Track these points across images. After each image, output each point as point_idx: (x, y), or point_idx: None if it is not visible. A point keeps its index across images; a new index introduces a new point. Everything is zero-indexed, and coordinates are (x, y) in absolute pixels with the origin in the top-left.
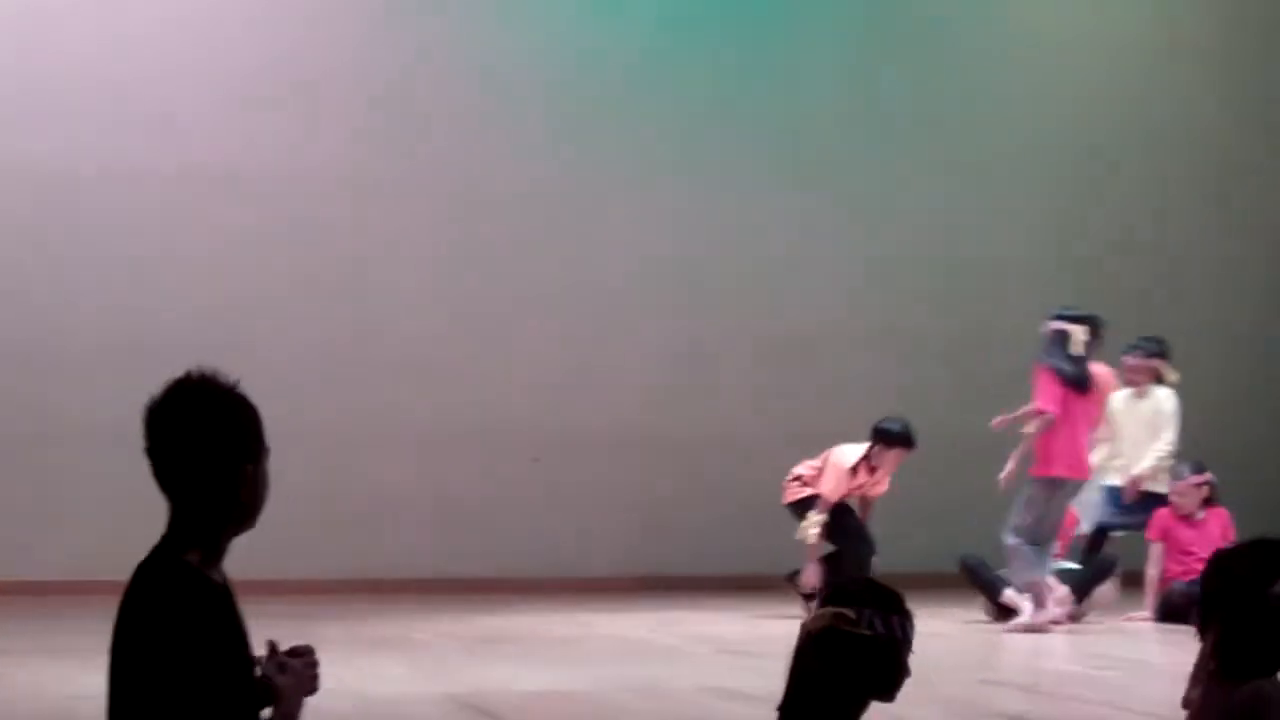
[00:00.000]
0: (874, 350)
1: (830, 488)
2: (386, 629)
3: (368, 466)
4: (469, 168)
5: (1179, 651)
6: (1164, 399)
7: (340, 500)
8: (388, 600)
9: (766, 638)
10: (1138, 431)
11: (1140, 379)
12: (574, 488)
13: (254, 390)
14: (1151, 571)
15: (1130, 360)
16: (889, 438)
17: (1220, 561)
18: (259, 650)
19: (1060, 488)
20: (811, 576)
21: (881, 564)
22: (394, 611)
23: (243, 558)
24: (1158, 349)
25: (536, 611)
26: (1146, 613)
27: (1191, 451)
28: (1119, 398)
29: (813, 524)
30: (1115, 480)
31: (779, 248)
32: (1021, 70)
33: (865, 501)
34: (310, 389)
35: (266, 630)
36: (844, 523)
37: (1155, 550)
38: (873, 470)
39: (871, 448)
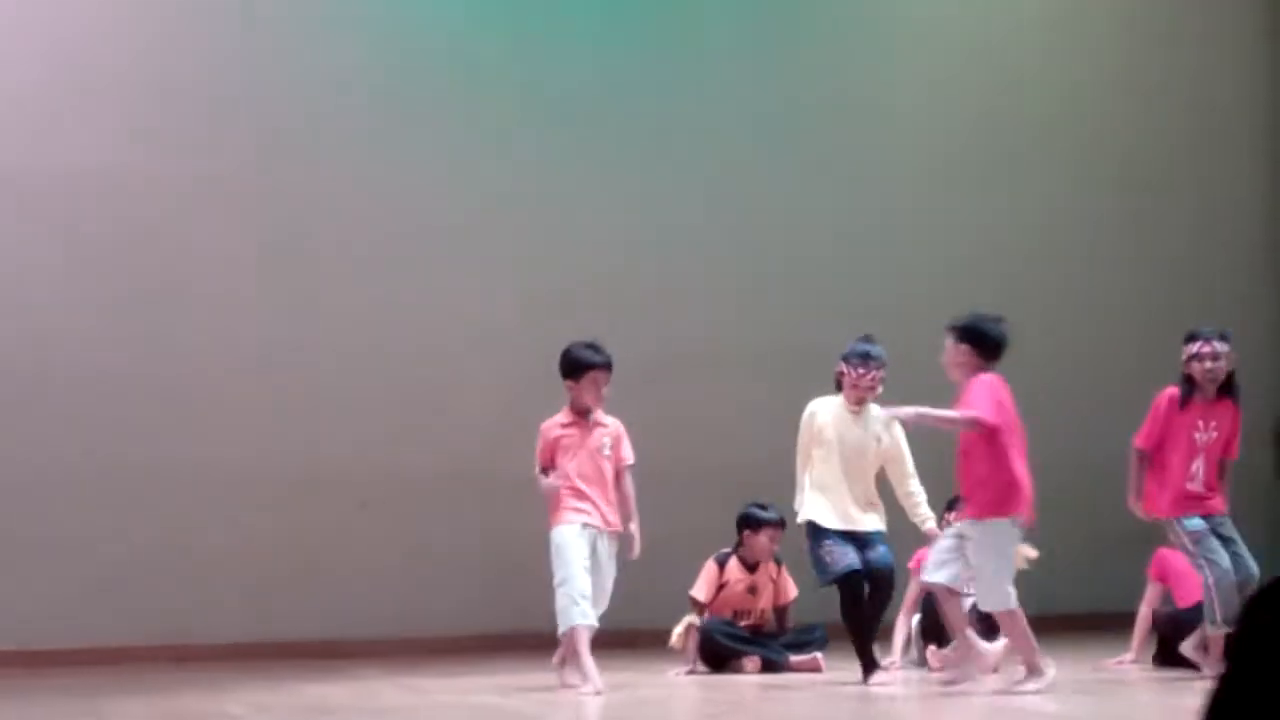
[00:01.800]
0: (767, 369)
1: (698, 588)
2: (195, 701)
3: (170, 516)
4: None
5: None
6: None
7: (139, 555)
8: (196, 668)
9: (640, 701)
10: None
11: None
12: (408, 536)
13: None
14: (1143, 610)
15: None
16: (750, 521)
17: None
18: None
19: None
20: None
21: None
22: (203, 681)
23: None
24: None
25: (366, 677)
26: (1131, 655)
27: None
28: None
29: (678, 626)
30: None
31: (650, 263)
32: (925, 69)
33: (763, 613)
34: (104, 429)
35: (53, 710)
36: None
37: (1153, 591)
38: (751, 567)
39: (740, 536)
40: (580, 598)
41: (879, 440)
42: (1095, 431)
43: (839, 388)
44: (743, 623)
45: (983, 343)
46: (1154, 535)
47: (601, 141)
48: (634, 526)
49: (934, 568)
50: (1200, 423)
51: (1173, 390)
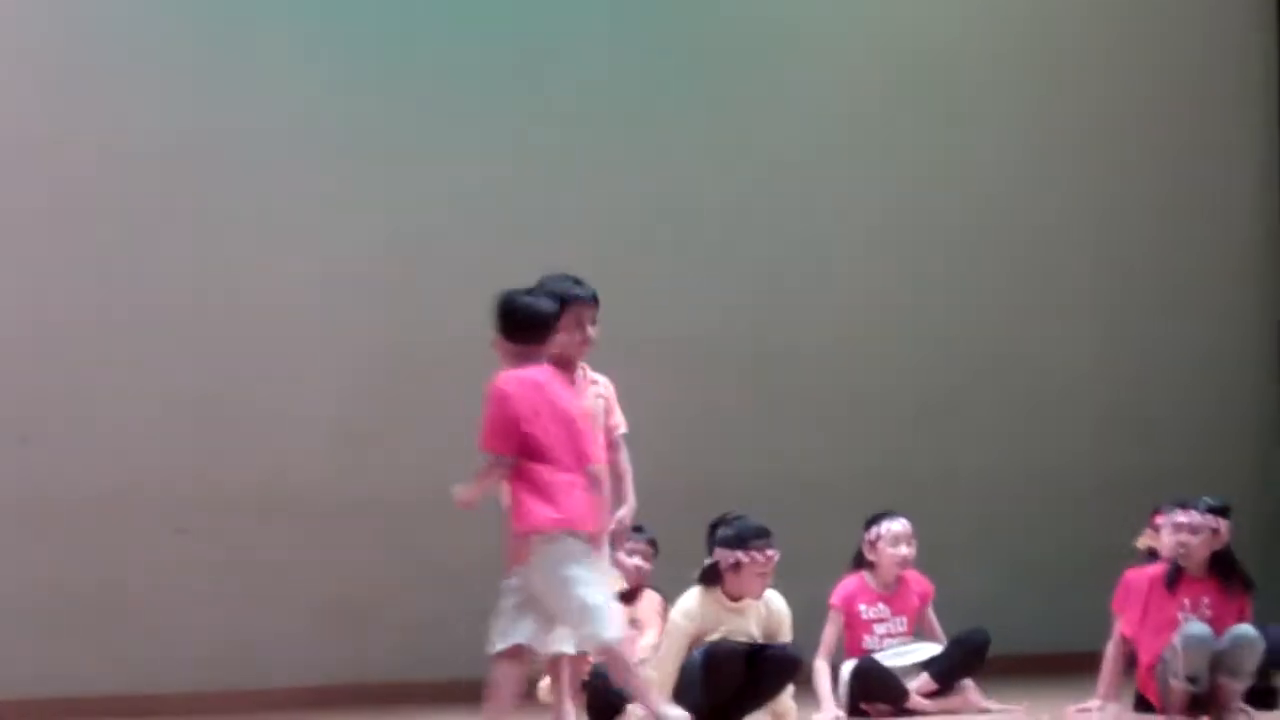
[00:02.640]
0: (663, 368)
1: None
2: None
3: None
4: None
5: None
6: None
7: None
8: None
9: None
10: None
11: None
12: (236, 568)
13: None
14: (1110, 649)
15: None
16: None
17: None
18: None
19: None
20: None
21: None
22: None
23: None
24: None
25: None
26: (1098, 700)
27: None
28: None
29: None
30: None
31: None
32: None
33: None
34: None
35: None
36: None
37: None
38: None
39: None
40: None
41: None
42: (1055, 448)
43: (713, 580)
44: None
45: (508, 322)
46: (1120, 562)
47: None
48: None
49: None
50: (1187, 601)
51: (1156, 570)
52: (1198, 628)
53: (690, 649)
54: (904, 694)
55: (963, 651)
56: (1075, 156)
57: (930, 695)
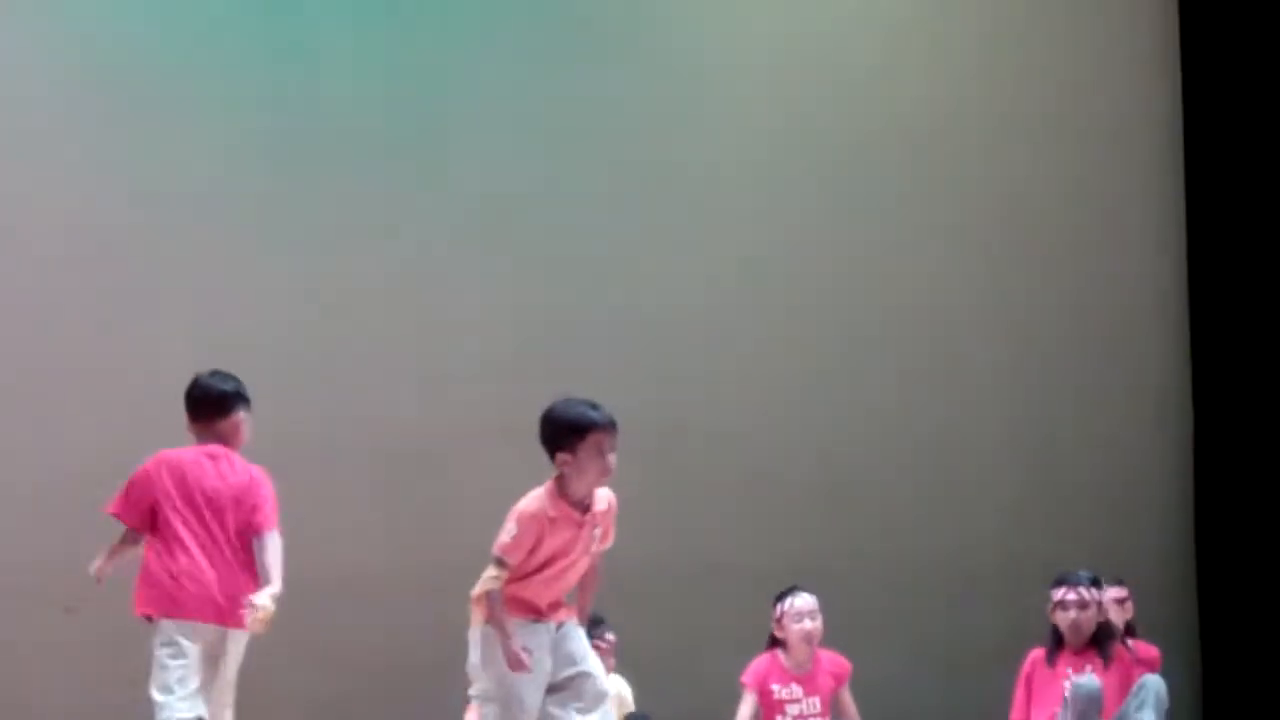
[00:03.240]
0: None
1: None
2: None
3: None
4: None
5: None
6: None
7: None
8: None
9: None
10: None
11: None
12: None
13: None
14: None
15: None
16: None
17: None
18: None
19: None
20: None
21: None
22: None
23: None
24: None
25: None
26: None
27: None
28: None
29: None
30: None
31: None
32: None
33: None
34: None
35: None
36: None
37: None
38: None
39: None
40: None
41: None
42: (961, 530)
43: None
44: None
45: (189, 401)
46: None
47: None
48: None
49: None
50: (1070, 670)
51: (1036, 652)
52: (1085, 679)
53: None
54: None
55: None
56: (984, 245)
57: None
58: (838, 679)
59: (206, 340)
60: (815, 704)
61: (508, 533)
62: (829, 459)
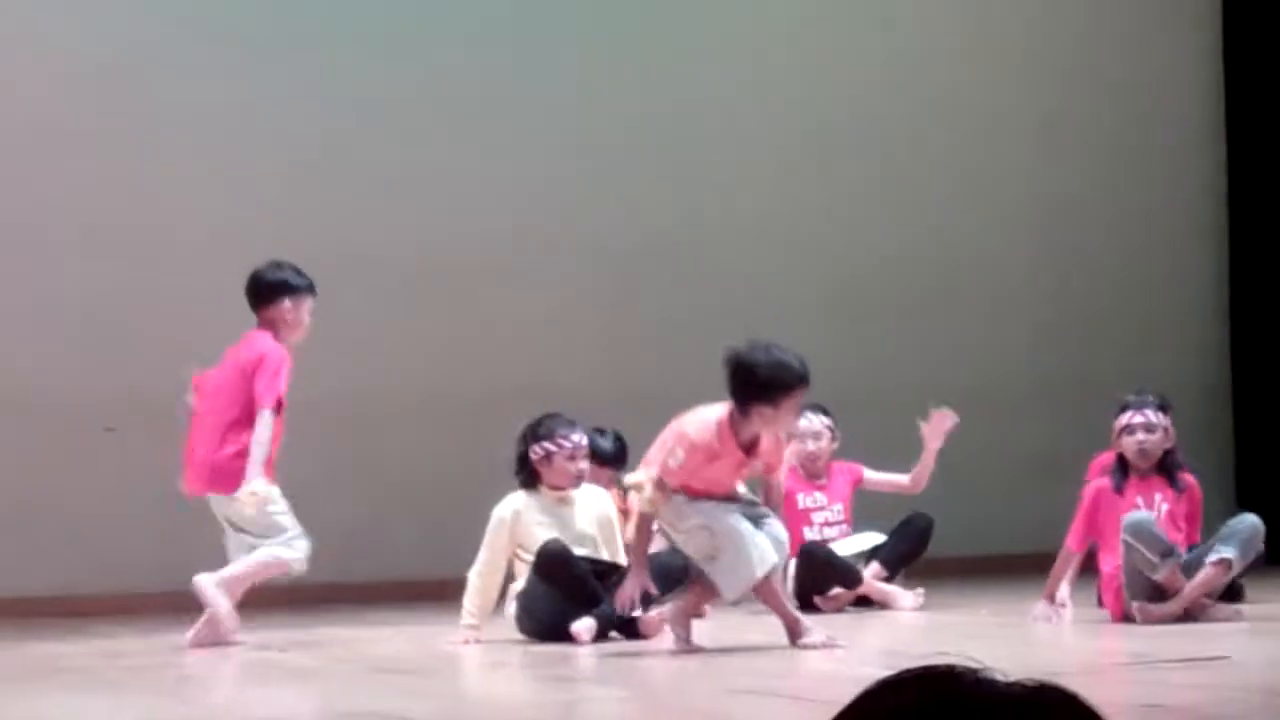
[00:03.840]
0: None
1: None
2: None
3: None
4: None
5: None
6: None
7: None
8: None
9: (431, 655)
10: None
11: None
12: (168, 469)
13: None
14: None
15: None
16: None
17: None
18: None
19: None
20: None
21: None
22: None
23: None
24: None
25: (110, 635)
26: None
27: None
28: None
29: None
30: None
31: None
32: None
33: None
34: None
35: None
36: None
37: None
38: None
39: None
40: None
41: None
42: (992, 354)
43: (531, 480)
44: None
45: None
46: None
47: None
48: None
49: None
50: (1140, 500)
51: (1101, 481)
52: (1137, 515)
53: (513, 551)
54: (857, 577)
55: (907, 537)
56: (1017, 72)
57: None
58: (854, 482)
59: (225, 165)
60: (839, 510)
61: (673, 456)
62: (855, 281)
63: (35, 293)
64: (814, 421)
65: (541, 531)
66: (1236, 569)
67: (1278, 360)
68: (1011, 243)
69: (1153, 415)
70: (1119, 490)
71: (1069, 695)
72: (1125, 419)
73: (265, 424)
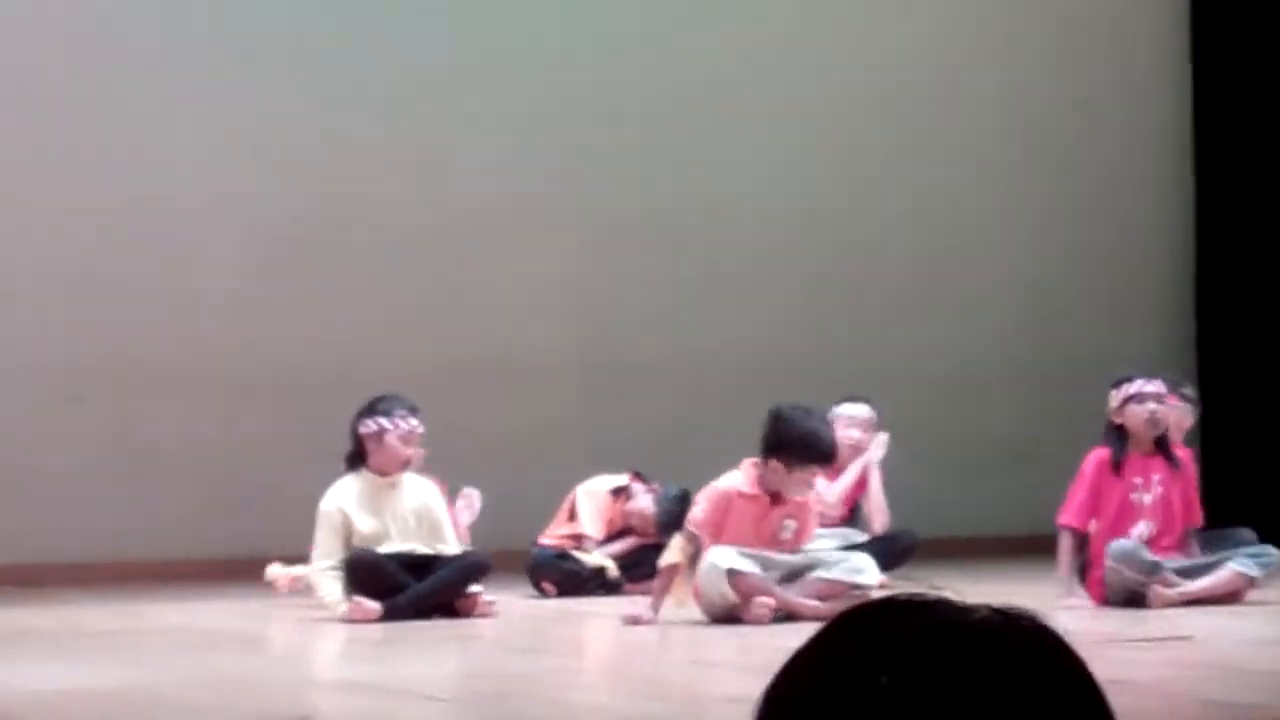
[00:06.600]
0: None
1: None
2: None
3: None
4: None
5: None
6: None
7: None
8: None
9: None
10: None
11: None
12: (132, 438)
13: None
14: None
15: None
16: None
17: None
18: None
19: None
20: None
21: None
22: None
23: None
24: None
25: (73, 602)
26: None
27: None
28: None
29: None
30: None
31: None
32: None
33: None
34: None
35: None
36: None
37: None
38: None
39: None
40: None
41: None
42: (971, 338)
43: (358, 460)
44: None
45: None
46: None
47: None
48: None
49: None
50: (1139, 480)
51: (1100, 452)
52: (1123, 544)
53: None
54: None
55: (886, 552)
56: (995, 66)
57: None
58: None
59: (210, 131)
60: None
61: (699, 507)
62: (832, 268)
63: (13, 262)
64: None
65: (363, 522)
66: (1256, 585)
67: (1244, 348)
68: (987, 233)
69: (1162, 385)
70: (1117, 468)
71: (1042, 625)
72: (1134, 387)
73: None
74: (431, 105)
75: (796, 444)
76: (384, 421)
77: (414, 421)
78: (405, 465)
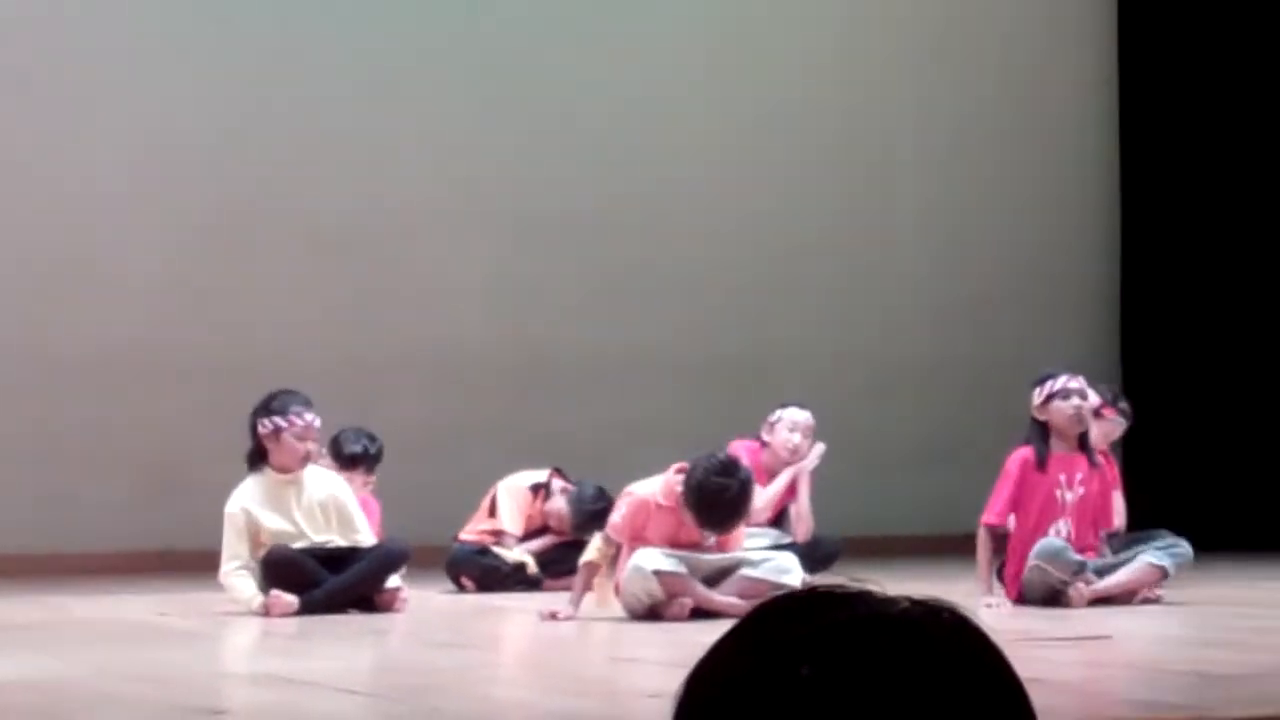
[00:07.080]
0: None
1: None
2: None
3: None
4: None
5: None
6: None
7: None
8: None
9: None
10: None
11: None
12: (53, 428)
13: None
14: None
15: None
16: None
17: None
18: None
19: None
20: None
21: None
22: None
23: None
24: None
25: None
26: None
27: None
28: None
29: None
30: None
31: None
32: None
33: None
34: None
35: None
36: None
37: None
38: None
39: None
40: None
41: None
42: (894, 337)
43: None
44: None
45: None
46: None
47: None
48: None
49: None
50: (1063, 478)
51: (1024, 451)
52: (1050, 542)
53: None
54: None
55: (809, 557)
56: (927, 68)
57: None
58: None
59: (134, 118)
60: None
61: (618, 512)
62: (766, 257)
63: None
64: (805, 417)
65: (269, 520)
66: (1167, 579)
67: (1166, 347)
68: (914, 233)
69: (1084, 382)
70: (1042, 464)
71: (963, 618)
72: (1059, 384)
73: None
74: (364, 99)
75: (701, 512)
76: (279, 420)
77: (310, 416)
78: (305, 461)
